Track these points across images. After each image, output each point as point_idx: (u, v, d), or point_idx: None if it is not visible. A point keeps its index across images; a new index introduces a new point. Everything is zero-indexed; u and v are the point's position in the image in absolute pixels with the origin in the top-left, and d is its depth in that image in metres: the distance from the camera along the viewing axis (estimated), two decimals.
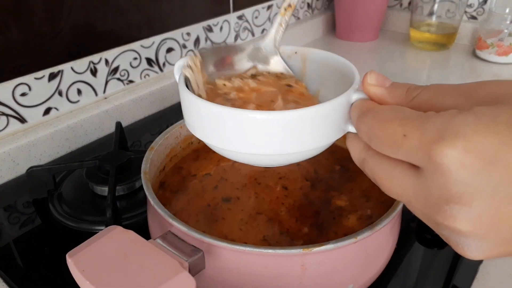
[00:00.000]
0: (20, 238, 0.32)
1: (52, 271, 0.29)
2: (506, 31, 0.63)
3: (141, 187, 0.35)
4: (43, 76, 0.41)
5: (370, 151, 0.16)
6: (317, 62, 0.24)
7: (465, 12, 0.74)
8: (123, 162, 0.35)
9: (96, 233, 0.20)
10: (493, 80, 0.15)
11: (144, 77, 0.51)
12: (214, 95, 0.22)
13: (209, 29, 0.57)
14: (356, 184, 0.28)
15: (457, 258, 0.29)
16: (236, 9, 0.61)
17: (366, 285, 0.24)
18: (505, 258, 0.15)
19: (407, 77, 0.63)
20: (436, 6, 0.68)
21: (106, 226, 0.25)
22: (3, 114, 0.39)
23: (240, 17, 0.62)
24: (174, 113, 0.52)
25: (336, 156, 0.31)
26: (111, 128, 0.46)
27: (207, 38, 0.58)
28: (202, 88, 0.22)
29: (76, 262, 0.18)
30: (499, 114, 0.13)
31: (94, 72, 0.45)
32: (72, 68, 0.43)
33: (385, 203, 0.26)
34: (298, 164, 0.30)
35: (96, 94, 0.46)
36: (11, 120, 0.39)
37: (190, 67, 0.21)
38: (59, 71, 0.42)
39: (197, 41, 0.56)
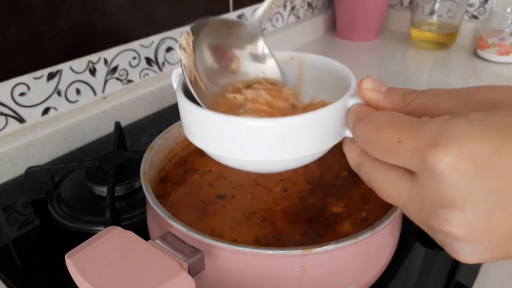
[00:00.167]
0: (19, 238, 0.32)
1: (51, 271, 0.28)
2: (507, 30, 0.63)
3: (141, 187, 0.35)
4: (42, 75, 0.40)
5: (366, 156, 0.17)
6: (314, 67, 0.24)
7: (466, 11, 0.74)
8: (122, 162, 0.35)
9: (95, 233, 0.20)
10: (488, 85, 0.15)
11: (143, 76, 0.51)
12: (230, 107, 0.21)
13: None
14: (358, 187, 0.28)
15: None
16: (235, 7, 0.60)
17: (367, 286, 0.24)
18: None
19: (408, 76, 0.63)
20: (437, 5, 0.68)
21: (105, 226, 0.24)
22: (2, 114, 0.38)
23: (239, 16, 0.62)
24: (173, 113, 0.51)
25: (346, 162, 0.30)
26: (110, 128, 0.46)
27: None
28: (194, 69, 0.21)
29: (75, 262, 0.18)
30: (492, 121, 0.13)
31: (93, 72, 0.45)
32: (71, 68, 0.43)
33: (382, 207, 0.25)
34: (305, 166, 0.30)
35: (95, 94, 0.46)
36: (10, 120, 0.39)
37: (184, 49, 0.21)
38: (58, 71, 0.42)
39: None
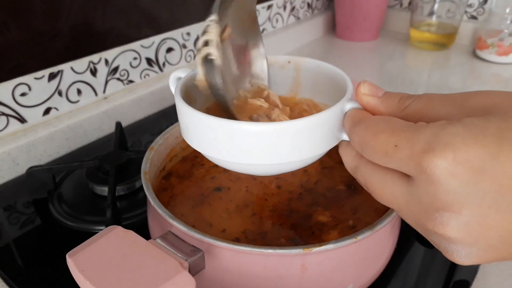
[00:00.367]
0: (20, 238, 0.32)
1: (52, 271, 0.29)
2: (506, 31, 0.63)
3: (141, 187, 0.35)
4: (43, 76, 0.41)
5: (363, 159, 0.17)
6: (311, 71, 0.24)
7: (465, 12, 0.74)
8: (123, 162, 0.35)
9: (96, 233, 0.20)
10: (484, 90, 0.15)
11: (144, 77, 0.51)
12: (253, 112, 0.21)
13: None
14: (350, 199, 0.27)
15: None
16: None
17: (366, 285, 0.24)
18: None
19: (407, 77, 0.63)
20: (436, 6, 0.68)
21: (106, 226, 0.25)
22: (3, 114, 0.39)
23: None
24: (174, 113, 0.51)
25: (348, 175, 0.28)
26: (111, 128, 0.46)
27: None
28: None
29: (76, 262, 0.18)
30: (487, 126, 0.13)
31: (94, 72, 0.45)
32: (72, 68, 0.43)
33: (376, 213, 0.25)
34: (305, 170, 0.30)
35: (96, 94, 0.46)
36: (11, 120, 0.39)
37: (212, 44, 0.18)
38: (59, 71, 0.42)
39: (197, 41, 0.56)
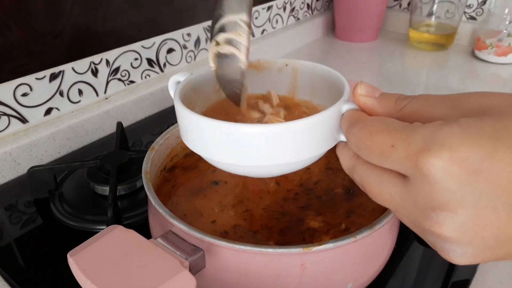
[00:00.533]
0: (21, 237, 0.32)
1: (54, 270, 0.29)
2: (505, 31, 0.63)
3: (142, 186, 0.36)
4: (44, 76, 0.41)
5: (360, 159, 0.17)
6: (308, 74, 0.25)
7: (464, 12, 0.74)
8: (124, 162, 0.35)
9: (97, 232, 0.20)
10: (480, 91, 0.15)
11: (145, 77, 0.51)
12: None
13: (210, 30, 0.57)
14: (346, 203, 0.27)
15: None
16: None
17: (365, 284, 0.24)
18: None
19: (407, 77, 0.64)
20: (435, 6, 0.68)
21: (107, 225, 0.25)
22: (4, 114, 0.39)
23: None
24: (174, 114, 0.52)
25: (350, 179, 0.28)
26: (112, 128, 0.46)
27: (207, 39, 0.58)
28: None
29: (77, 261, 0.18)
30: (483, 127, 0.13)
31: (95, 73, 0.45)
32: (73, 69, 0.43)
33: (364, 222, 0.24)
34: (308, 168, 0.30)
35: (97, 95, 0.46)
36: (12, 120, 0.40)
37: (242, 50, 0.18)
38: (60, 72, 0.42)
39: (197, 41, 0.56)
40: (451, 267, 0.29)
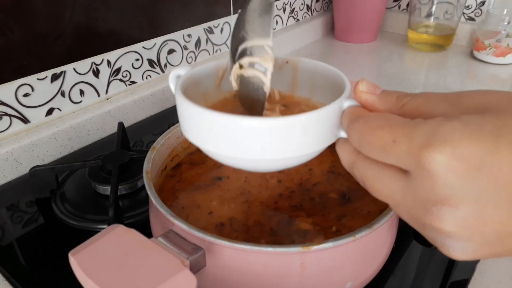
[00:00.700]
0: (23, 237, 0.32)
1: (55, 269, 0.29)
2: (503, 32, 0.64)
3: (143, 186, 0.36)
4: (46, 77, 0.41)
5: (360, 155, 0.17)
6: (308, 71, 0.25)
7: (463, 13, 0.74)
8: (125, 161, 0.35)
9: (98, 231, 0.20)
10: (480, 90, 0.15)
11: (146, 78, 0.51)
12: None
13: (210, 30, 0.58)
14: (337, 208, 0.27)
15: None
16: (236, 11, 0.61)
17: (365, 283, 0.24)
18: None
19: (405, 78, 0.64)
20: (434, 7, 0.68)
21: (109, 225, 0.25)
22: (6, 114, 0.39)
23: None
24: (175, 114, 0.51)
25: (347, 185, 0.28)
26: (113, 128, 0.46)
27: (208, 40, 0.58)
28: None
29: (79, 260, 0.18)
30: (485, 123, 0.13)
31: (96, 73, 0.45)
32: (74, 69, 0.43)
33: (355, 225, 0.24)
34: (311, 168, 0.30)
35: (99, 95, 0.47)
36: (14, 120, 0.40)
37: (267, 75, 0.20)
38: (61, 72, 0.42)
39: (198, 42, 0.57)
40: (450, 266, 0.29)
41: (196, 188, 0.28)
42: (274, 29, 0.71)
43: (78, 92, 0.44)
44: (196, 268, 0.20)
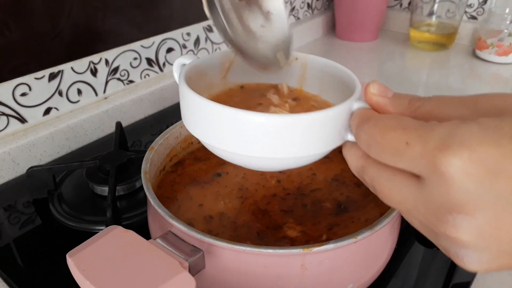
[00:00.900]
0: (20, 238, 0.32)
1: (52, 271, 0.29)
2: (506, 31, 0.63)
3: (141, 187, 0.35)
4: (43, 76, 0.41)
5: (370, 159, 0.16)
6: (318, 69, 0.24)
7: (465, 12, 0.74)
8: (123, 162, 0.35)
9: (96, 233, 0.20)
10: (496, 92, 0.15)
11: (144, 77, 0.51)
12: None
13: (209, 29, 0.57)
14: (328, 218, 0.26)
15: None
16: None
17: (366, 285, 0.24)
18: None
19: (407, 77, 0.63)
20: (436, 6, 0.68)
21: (106, 226, 0.25)
22: (3, 114, 0.39)
23: None
24: (174, 113, 0.52)
25: (346, 195, 0.27)
26: (111, 128, 0.46)
27: (207, 38, 0.58)
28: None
29: (77, 262, 0.18)
30: (503, 127, 0.13)
31: (94, 72, 0.45)
32: (72, 68, 0.43)
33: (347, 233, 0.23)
34: (313, 173, 0.29)
35: (96, 94, 0.46)
36: (11, 120, 0.39)
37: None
38: (59, 71, 0.42)
39: (197, 41, 0.56)
40: (452, 268, 0.29)
41: (195, 182, 0.28)
42: None
43: (76, 91, 0.44)
44: (195, 270, 0.20)
